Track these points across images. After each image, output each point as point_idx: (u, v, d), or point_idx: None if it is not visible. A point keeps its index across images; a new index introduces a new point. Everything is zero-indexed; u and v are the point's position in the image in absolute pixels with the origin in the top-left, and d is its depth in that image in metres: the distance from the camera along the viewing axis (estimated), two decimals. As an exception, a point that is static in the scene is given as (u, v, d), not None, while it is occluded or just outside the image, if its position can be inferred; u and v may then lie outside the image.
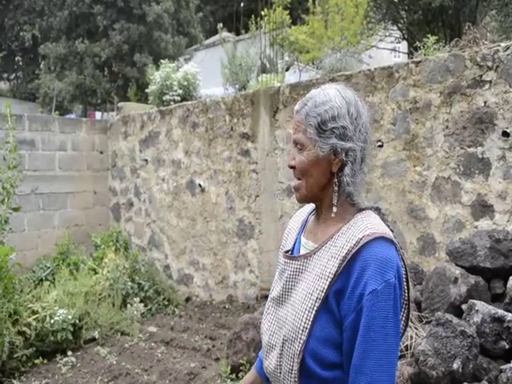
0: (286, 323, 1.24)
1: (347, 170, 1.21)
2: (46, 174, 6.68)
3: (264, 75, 6.33)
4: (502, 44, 3.52)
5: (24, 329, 4.27)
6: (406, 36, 12.12)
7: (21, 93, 23.24)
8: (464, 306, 2.86)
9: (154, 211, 6.64)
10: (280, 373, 1.24)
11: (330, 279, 1.17)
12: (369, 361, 1.10)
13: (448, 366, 2.43)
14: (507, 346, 2.56)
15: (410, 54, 10.05)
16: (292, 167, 1.27)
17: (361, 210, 1.25)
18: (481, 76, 3.56)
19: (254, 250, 5.39)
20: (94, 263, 5.94)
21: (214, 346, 4.55)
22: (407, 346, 2.80)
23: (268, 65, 7.27)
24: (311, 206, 1.39)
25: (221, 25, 9.91)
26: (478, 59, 3.56)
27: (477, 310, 2.66)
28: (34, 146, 6.57)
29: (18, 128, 6.06)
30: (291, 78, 8.26)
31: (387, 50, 13.82)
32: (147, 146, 6.69)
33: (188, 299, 6.11)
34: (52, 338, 4.40)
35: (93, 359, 4.42)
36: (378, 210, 1.28)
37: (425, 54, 4.29)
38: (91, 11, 17.30)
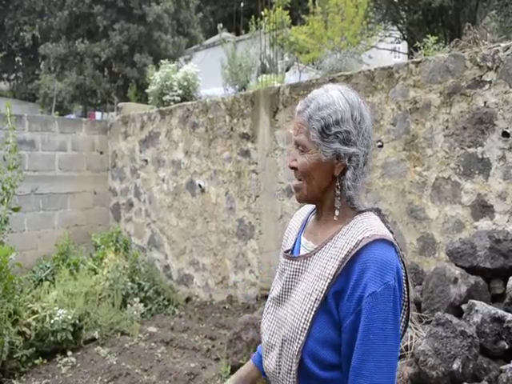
0: (286, 323, 1.24)
1: (349, 174, 1.21)
2: (46, 174, 6.68)
3: (264, 75, 6.33)
4: (502, 44, 3.52)
5: (24, 329, 4.27)
6: (405, 36, 12.13)
7: (21, 93, 23.25)
8: (464, 306, 2.86)
9: (154, 211, 6.64)
10: (279, 373, 1.24)
11: (329, 280, 1.17)
12: (368, 363, 1.10)
13: (448, 366, 2.43)
14: (507, 346, 2.56)
15: (409, 54, 10.06)
16: (293, 168, 1.27)
17: (361, 211, 1.25)
18: (481, 76, 3.56)
19: (254, 250, 5.39)
20: (94, 263, 5.94)
21: (213, 346, 4.55)
22: (407, 346, 2.80)
23: (268, 65, 7.27)
24: (312, 206, 1.39)
25: (221, 25, 9.91)
26: (478, 59, 3.56)
27: (477, 310, 2.66)
28: (33, 147, 6.57)
29: (18, 128, 6.06)
30: (291, 78, 8.27)
31: (387, 50, 13.82)
32: (147, 147, 6.69)
33: (188, 299, 6.11)
34: (52, 338, 4.40)
35: (93, 359, 4.42)
36: (378, 212, 1.28)
37: (425, 55, 4.29)
38: (91, 11, 17.31)
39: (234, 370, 3.86)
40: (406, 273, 1.22)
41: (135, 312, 5.22)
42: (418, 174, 3.95)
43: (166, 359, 4.37)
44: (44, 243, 6.59)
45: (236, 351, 3.88)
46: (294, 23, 11.46)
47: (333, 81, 4.42)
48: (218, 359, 4.22)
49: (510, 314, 2.60)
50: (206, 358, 4.35)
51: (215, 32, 19.95)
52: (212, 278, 5.88)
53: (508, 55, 3.43)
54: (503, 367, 2.46)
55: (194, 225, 6.04)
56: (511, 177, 3.44)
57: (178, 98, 6.60)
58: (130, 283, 5.64)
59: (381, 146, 4.17)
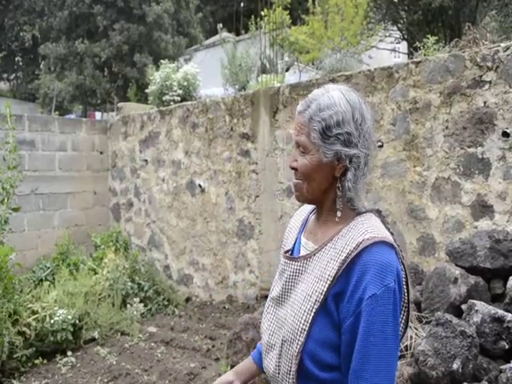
0: (285, 324, 1.24)
1: (350, 175, 1.20)
2: (46, 174, 6.68)
3: (264, 75, 6.33)
4: (502, 44, 3.52)
5: (24, 329, 4.27)
6: (405, 36, 12.13)
7: (21, 93, 23.26)
8: (464, 306, 2.86)
9: (154, 211, 6.64)
10: (279, 373, 1.24)
11: (329, 282, 1.17)
12: (368, 365, 1.10)
13: (448, 366, 2.43)
14: (507, 346, 2.56)
15: (409, 54, 10.06)
16: (294, 169, 1.26)
17: (361, 212, 1.25)
18: (481, 76, 3.56)
19: (254, 250, 5.39)
20: (94, 263, 5.94)
21: (213, 346, 4.55)
22: (407, 346, 2.80)
23: (268, 65, 7.27)
24: (312, 205, 1.39)
25: (221, 25, 9.91)
26: (478, 59, 3.56)
27: (476, 310, 2.66)
28: (33, 147, 6.57)
29: (18, 128, 6.06)
30: (291, 78, 8.26)
31: (387, 50, 13.82)
32: (147, 147, 6.69)
33: (188, 299, 6.11)
34: (52, 338, 4.40)
35: (93, 359, 4.42)
36: (378, 213, 1.27)
37: (425, 55, 4.29)
38: (91, 11, 17.32)
39: (233, 370, 3.86)
40: (406, 274, 1.22)
41: (135, 312, 5.22)
42: (418, 173, 3.95)
43: (166, 359, 4.37)
44: (44, 243, 6.59)
45: (236, 351, 3.88)
46: (293, 23, 11.46)
47: (333, 81, 4.42)
48: (217, 359, 4.22)
49: (509, 314, 2.60)
50: (205, 357, 4.35)
51: (215, 32, 19.95)
52: (212, 278, 5.88)
53: (508, 55, 3.43)
54: (503, 367, 2.46)
55: (194, 225, 6.05)
56: (511, 177, 3.44)
57: (178, 98, 6.60)
58: (129, 283, 5.64)
59: (381, 146, 4.17)
